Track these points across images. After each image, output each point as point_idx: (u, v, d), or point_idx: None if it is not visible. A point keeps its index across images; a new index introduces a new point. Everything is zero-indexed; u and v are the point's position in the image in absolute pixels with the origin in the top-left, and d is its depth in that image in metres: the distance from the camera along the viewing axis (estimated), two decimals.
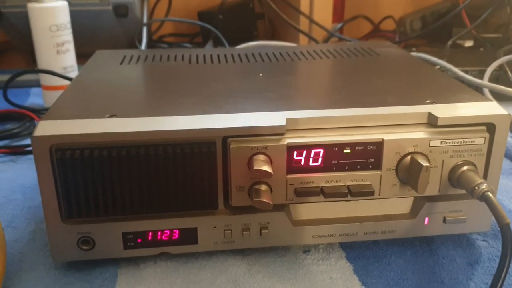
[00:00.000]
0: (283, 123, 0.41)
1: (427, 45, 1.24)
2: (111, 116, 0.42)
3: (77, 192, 0.41)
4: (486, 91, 0.80)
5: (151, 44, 1.15)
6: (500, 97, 0.79)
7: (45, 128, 0.40)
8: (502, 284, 0.37)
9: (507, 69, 0.84)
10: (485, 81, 0.80)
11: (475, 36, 1.10)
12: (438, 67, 0.83)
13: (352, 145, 0.42)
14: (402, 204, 0.46)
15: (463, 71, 0.83)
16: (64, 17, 0.80)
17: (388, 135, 0.42)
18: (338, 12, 1.28)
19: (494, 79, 0.85)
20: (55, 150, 0.40)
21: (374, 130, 0.42)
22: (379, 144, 0.42)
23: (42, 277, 0.44)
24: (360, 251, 0.47)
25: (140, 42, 1.03)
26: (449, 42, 0.97)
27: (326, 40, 1.09)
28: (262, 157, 0.41)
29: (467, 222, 0.46)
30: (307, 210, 0.45)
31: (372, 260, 0.46)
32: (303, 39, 1.09)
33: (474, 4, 1.03)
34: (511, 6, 1.07)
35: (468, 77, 0.79)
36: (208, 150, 0.41)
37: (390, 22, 1.28)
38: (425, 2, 1.35)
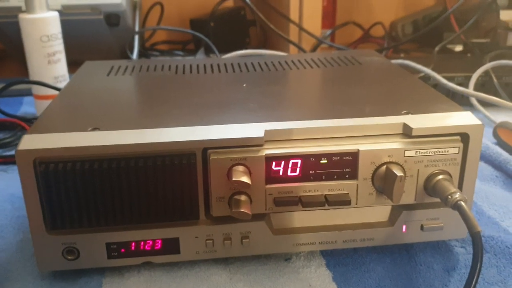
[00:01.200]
0: (261, 134, 0.42)
1: (418, 50, 1.25)
2: (93, 129, 0.43)
3: (61, 203, 0.42)
4: (471, 97, 0.81)
5: (143, 52, 1.16)
6: (485, 102, 0.80)
7: (29, 142, 0.41)
8: None
9: (493, 75, 0.85)
10: (470, 88, 0.81)
11: (464, 40, 1.12)
12: (422, 74, 0.84)
13: (328, 155, 0.43)
14: (380, 212, 0.47)
15: (449, 77, 0.84)
16: (55, 28, 0.81)
17: (363, 146, 0.43)
18: (330, 18, 1.30)
19: (480, 85, 0.86)
20: (38, 163, 0.41)
21: (350, 141, 0.43)
22: (355, 155, 0.43)
23: (28, 287, 0.45)
24: (340, 259, 0.48)
25: (131, 50, 1.04)
26: (437, 48, 0.98)
27: (315, 47, 1.10)
28: (241, 168, 0.42)
29: (444, 229, 0.47)
30: (287, 219, 0.47)
31: (351, 267, 0.47)
32: (293, 46, 1.10)
33: (464, 9, 1.04)
34: (498, 10, 1.08)
35: (451, 84, 0.80)
36: (188, 162, 0.42)
37: (381, 27, 1.29)
38: (417, 7, 1.36)
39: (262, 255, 0.48)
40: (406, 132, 0.44)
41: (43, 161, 0.41)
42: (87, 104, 0.49)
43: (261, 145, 0.43)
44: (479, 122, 0.44)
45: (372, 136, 0.44)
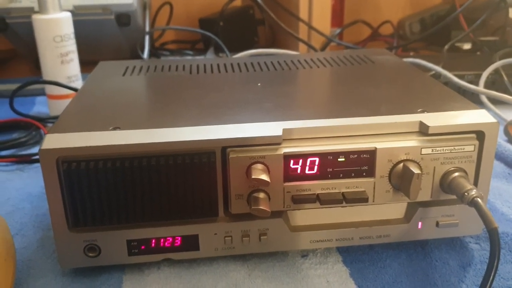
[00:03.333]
0: (280, 133, 0.43)
1: (426, 48, 1.25)
2: (114, 129, 0.44)
3: (83, 201, 0.43)
4: (481, 95, 0.81)
5: (153, 52, 1.17)
6: (496, 100, 0.80)
7: (52, 141, 0.42)
8: (490, 286, 0.38)
9: (503, 73, 0.85)
10: (480, 86, 0.81)
11: (473, 39, 1.12)
12: (433, 72, 0.84)
13: (346, 153, 0.44)
14: (396, 209, 0.48)
15: (459, 75, 0.85)
16: (68, 28, 0.82)
17: (380, 144, 0.43)
18: (338, 17, 1.30)
19: (490, 83, 0.86)
20: (61, 162, 0.42)
21: (367, 139, 0.44)
22: (372, 153, 0.43)
23: (50, 284, 0.46)
24: (356, 255, 0.49)
25: (142, 50, 1.05)
26: (446, 47, 0.98)
27: (325, 46, 1.11)
28: (260, 166, 0.43)
29: (459, 226, 0.48)
30: (304, 216, 0.47)
31: (368, 263, 0.47)
32: (303, 44, 1.11)
33: (472, 7, 1.05)
34: (507, 9, 1.08)
35: (463, 83, 0.81)
36: (208, 160, 0.43)
37: (389, 25, 1.30)
38: (424, 5, 1.36)
39: (279, 252, 0.49)
40: (423, 130, 0.44)
41: (66, 160, 0.42)
42: (106, 104, 0.50)
43: (279, 144, 0.43)
44: (494, 120, 0.44)
45: (389, 134, 0.44)
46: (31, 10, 0.97)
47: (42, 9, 0.80)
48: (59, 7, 0.81)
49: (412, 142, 0.44)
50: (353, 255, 0.49)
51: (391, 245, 0.50)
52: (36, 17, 0.80)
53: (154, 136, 0.43)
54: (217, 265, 0.48)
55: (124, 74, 0.61)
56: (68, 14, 0.82)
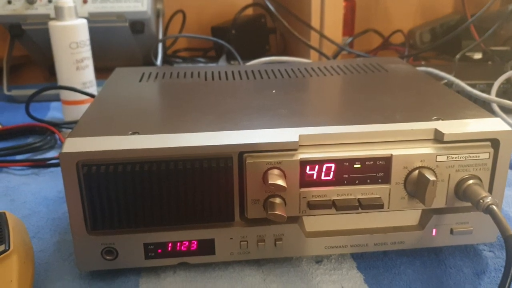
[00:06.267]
0: (296, 139, 0.44)
1: (436, 58, 1.26)
2: (133, 133, 0.44)
3: (102, 205, 0.44)
4: (493, 104, 0.81)
5: (166, 59, 1.18)
6: (507, 110, 0.80)
7: (72, 145, 0.43)
8: None
9: None
10: (492, 96, 0.81)
11: (484, 49, 1.12)
12: (445, 81, 0.84)
13: (362, 160, 0.44)
14: (411, 216, 0.48)
15: (471, 84, 0.85)
16: (83, 35, 0.83)
17: (396, 151, 0.44)
18: (349, 26, 1.30)
19: (501, 92, 0.86)
20: (81, 165, 0.42)
21: (383, 146, 0.44)
22: (388, 159, 0.44)
23: (68, 286, 0.46)
24: (370, 261, 0.49)
25: (155, 57, 1.06)
26: (458, 56, 0.99)
27: (336, 54, 1.11)
28: (276, 171, 0.43)
29: (473, 233, 0.48)
30: (320, 222, 0.48)
31: (382, 270, 0.48)
32: (314, 53, 1.11)
33: (482, 17, 1.05)
34: None
35: (475, 91, 0.81)
36: (225, 165, 0.43)
37: (400, 35, 1.30)
38: (434, 15, 1.37)
39: (293, 257, 0.49)
40: (438, 137, 0.45)
41: (86, 164, 0.43)
42: (124, 109, 0.51)
43: (295, 150, 0.44)
44: (509, 128, 0.45)
45: (404, 141, 0.45)
46: (47, 17, 0.98)
47: (59, 16, 0.81)
48: (75, 14, 0.82)
49: (427, 149, 0.44)
50: (368, 262, 0.49)
51: (405, 252, 0.50)
52: (52, 24, 0.81)
53: (173, 141, 0.43)
54: (233, 269, 0.48)
55: (140, 80, 0.62)
56: (84, 21, 0.83)
